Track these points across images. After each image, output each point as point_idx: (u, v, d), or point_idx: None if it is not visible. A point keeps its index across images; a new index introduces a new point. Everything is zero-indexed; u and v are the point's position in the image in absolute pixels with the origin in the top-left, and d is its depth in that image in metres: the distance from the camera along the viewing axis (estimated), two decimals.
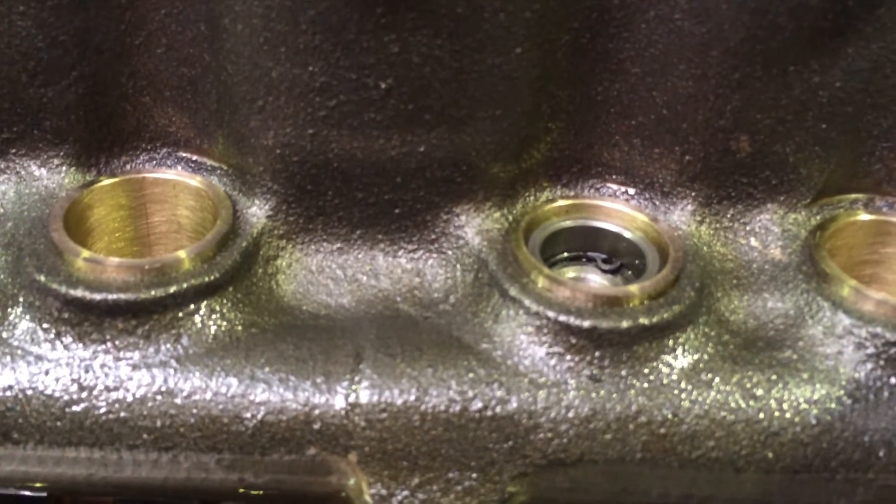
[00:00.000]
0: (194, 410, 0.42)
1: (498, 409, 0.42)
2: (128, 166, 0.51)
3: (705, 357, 0.44)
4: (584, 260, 0.50)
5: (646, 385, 0.43)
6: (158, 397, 0.42)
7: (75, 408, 0.42)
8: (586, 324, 0.42)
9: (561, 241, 0.49)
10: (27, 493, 0.48)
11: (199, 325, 0.44)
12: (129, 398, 0.42)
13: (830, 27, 0.45)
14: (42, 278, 0.43)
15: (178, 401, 0.42)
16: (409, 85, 0.44)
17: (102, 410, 0.42)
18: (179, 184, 0.50)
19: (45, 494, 0.49)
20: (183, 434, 0.42)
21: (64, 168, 0.50)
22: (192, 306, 0.44)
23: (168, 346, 0.43)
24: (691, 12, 0.45)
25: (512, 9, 0.43)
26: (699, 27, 0.45)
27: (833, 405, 0.43)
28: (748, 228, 0.50)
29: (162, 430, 0.42)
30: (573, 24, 0.46)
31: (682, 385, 0.43)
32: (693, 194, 0.49)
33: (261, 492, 0.44)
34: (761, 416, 0.43)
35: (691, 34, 0.45)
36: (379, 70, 0.44)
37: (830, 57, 0.46)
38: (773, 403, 0.43)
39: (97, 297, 0.42)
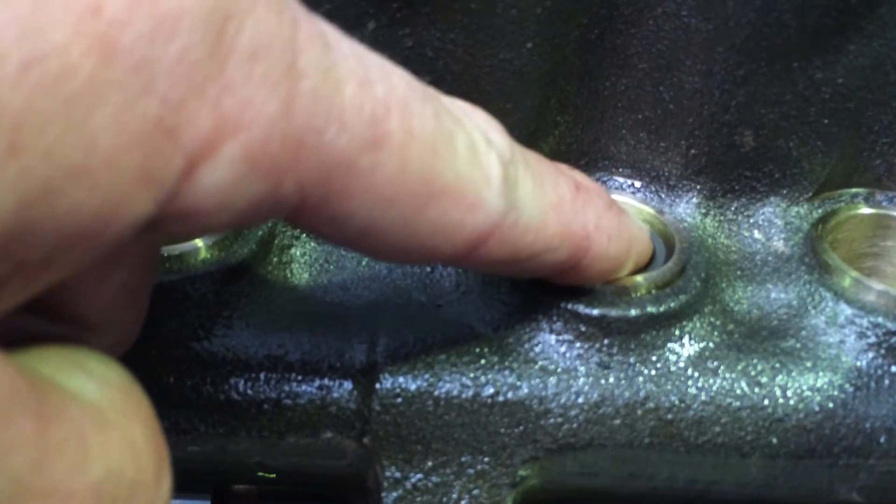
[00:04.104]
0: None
1: (510, 395, 0.43)
2: None
3: (711, 345, 0.45)
4: None
5: (653, 372, 0.44)
6: None
7: None
8: (595, 312, 0.43)
9: None
10: None
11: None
12: None
13: (834, 24, 0.46)
14: None
15: None
16: (422, 79, 0.45)
17: None
18: None
19: None
20: (203, 419, 0.43)
21: None
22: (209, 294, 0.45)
23: None
24: (698, 9, 0.46)
25: (523, 5, 0.44)
26: (705, 24, 0.46)
27: (836, 392, 0.44)
28: (752, 221, 0.51)
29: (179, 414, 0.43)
30: (582, 20, 0.47)
31: (689, 372, 0.44)
32: (698, 187, 0.51)
33: (276, 474, 0.45)
34: (766, 402, 0.44)
35: (698, 30, 0.47)
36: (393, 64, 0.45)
37: (833, 54, 0.47)
38: (777, 391, 0.44)
39: None
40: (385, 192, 0.30)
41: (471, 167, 0.33)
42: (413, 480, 0.43)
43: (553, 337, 0.44)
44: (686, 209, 0.51)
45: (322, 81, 0.27)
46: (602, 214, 0.39)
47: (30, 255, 0.24)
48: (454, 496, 0.42)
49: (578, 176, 0.40)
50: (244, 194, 0.27)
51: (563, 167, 0.40)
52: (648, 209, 0.50)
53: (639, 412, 0.44)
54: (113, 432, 0.26)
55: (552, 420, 0.43)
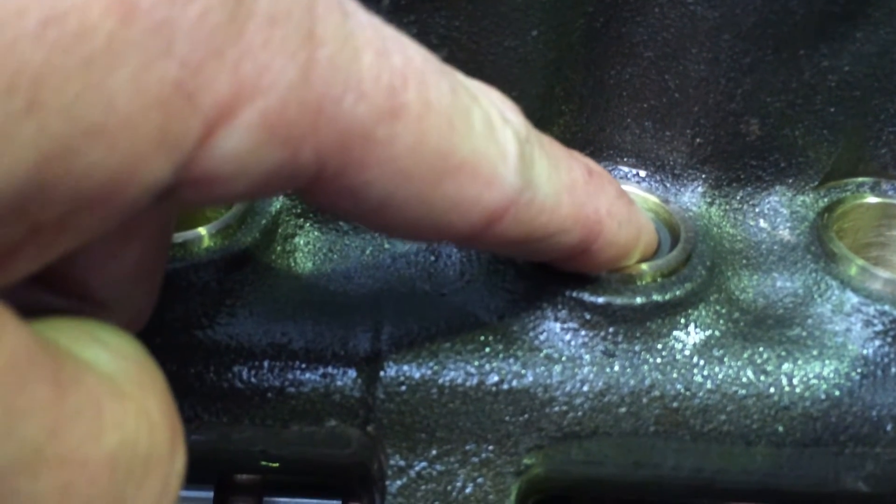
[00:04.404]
0: None
1: (514, 383, 0.43)
2: None
3: (717, 333, 0.45)
4: None
5: (659, 360, 0.44)
6: None
7: None
8: (600, 300, 0.43)
9: None
10: None
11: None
12: None
13: (840, 12, 0.46)
14: None
15: None
16: None
17: None
18: None
19: None
20: (206, 407, 0.43)
21: None
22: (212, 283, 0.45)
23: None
24: None
25: None
26: (711, 11, 0.46)
27: (842, 381, 0.44)
28: (757, 210, 0.51)
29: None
30: (588, 8, 0.47)
31: (695, 360, 0.44)
32: (703, 176, 0.50)
33: (280, 463, 0.45)
34: (772, 390, 0.44)
35: (703, 18, 0.46)
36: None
37: (840, 41, 0.47)
38: (783, 379, 0.44)
39: None
40: (402, 165, 0.30)
41: (487, 143, 0.32)
42: (417, 469, 0.43)
43: (558, 325, 0.44)
44: (691, 198, 0.50)
45: (340, 49, 0.27)
46: (613, 201, 0.39)
47: (45, 217, 0.23)
48: (458, 484, 0.42)
49: (590, 162, 0.40)
50: (261, 161, 0.27)
51: (576, 153, 0.40)
52: (654, 198, 0.49)
53: (644, 400, 0.43)
54: (128, 404, 0.26)
55: (557, 408, 0.43)
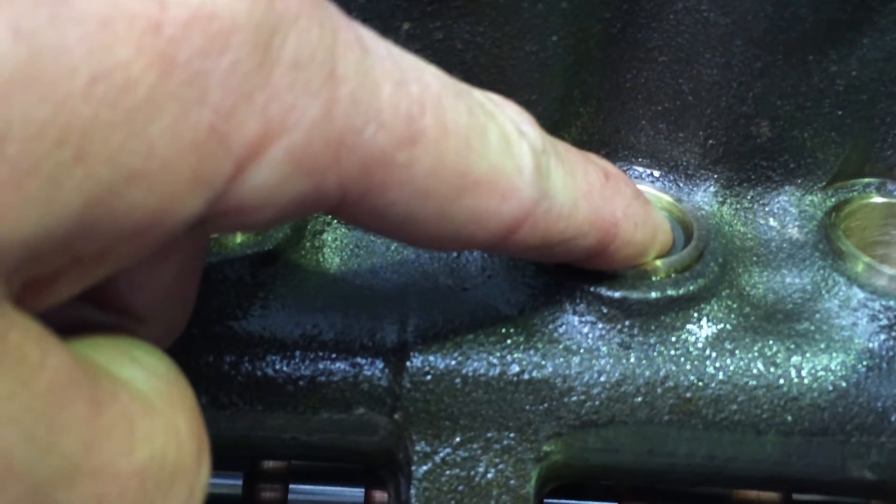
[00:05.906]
0: None
1: (534, 374, 0.45)
2: None
3: (728, 327, 0.47)
4: None
5: (673, 352, 0.46)
6: None
7: None
8: (617, 295, 0.45)
9: None
10: None
11: None
12: None
13: (848, 19, 0.48)
14: None
15: None
16: (451, 71, 0.47)
17: None
18: None
19: None
20: (241, 395, 0.45)
21: None
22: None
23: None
24: (717, 3, 0.48)
25: None
26: (724, 18, 0.48)
27: (848, 372, 0.46)
28: (767, 209, 0.53)
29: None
30: (606, 15, 0.49)
31: (707, 352, 0.46)
32: (715, 177, 0.52)
33: (311, 449, 0.47)
34: (781, 381, 0.46)
35: (716, 24, 0.48)
36: (423, 56, 0.46)
37: (847, 47, 0.49)
38: (792, 370, 0.46)
39: None
40: (422, 185, 0.32)
41: (504, 158, 0.34)
42: (442, 455, 0.45)
43: (576, 318, 0.46)
44: (704, 197, 0.52)
45: (360, 85, 0.29)
46: (629, 203, 0.41)
47: (87, 250, 0.26)
48: (481, 470, 0.44)
49: (607, 165, 0.42)
50: (288, 192, 0.29)
51: (593, 156, 0.42)
52: (667, 197, 0.51)
53: (658, 390, 0.45)
54: (158, 420, 0.28)
55: (575, 398, 0.45)
